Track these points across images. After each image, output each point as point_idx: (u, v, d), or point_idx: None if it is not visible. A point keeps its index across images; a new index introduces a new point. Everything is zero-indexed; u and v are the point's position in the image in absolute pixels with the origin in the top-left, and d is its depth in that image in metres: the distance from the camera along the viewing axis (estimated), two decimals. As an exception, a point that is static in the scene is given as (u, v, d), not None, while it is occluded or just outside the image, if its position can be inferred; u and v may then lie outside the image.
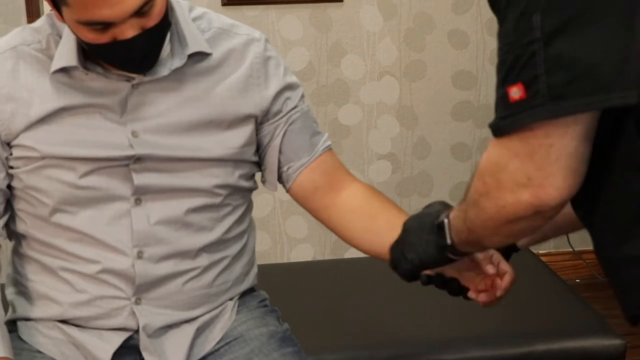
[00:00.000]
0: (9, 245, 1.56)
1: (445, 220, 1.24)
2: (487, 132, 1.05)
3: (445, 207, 1.29)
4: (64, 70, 1.41)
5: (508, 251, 1.42)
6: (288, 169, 1.53)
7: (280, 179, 1.56)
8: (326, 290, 2.13)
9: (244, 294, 1.60)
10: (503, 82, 0.99)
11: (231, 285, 1.55)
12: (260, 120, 1.50)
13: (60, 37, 1.42)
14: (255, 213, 1.64)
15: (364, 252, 1.55)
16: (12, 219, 1.50)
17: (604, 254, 1.10)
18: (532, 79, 0.96)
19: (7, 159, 1.44)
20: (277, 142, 1.52)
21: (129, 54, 1.33)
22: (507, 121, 0.99)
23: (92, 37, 1.31)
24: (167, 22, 1.37)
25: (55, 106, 1.41)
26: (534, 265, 2.25)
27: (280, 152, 1.53)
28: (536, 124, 0.97)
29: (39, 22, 1.47)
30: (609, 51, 0.94)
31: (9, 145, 1.43)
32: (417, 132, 3.05)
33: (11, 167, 1.44)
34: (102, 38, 1.31)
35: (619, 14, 0.94)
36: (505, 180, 1.02)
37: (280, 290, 1.79)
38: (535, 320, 1.97)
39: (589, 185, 1.05)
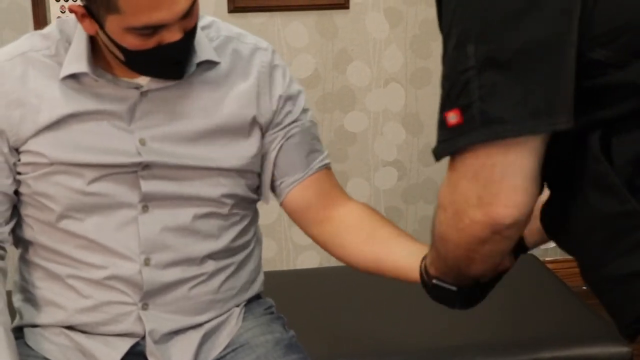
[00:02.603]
0: (15, 252, 1.56)
1: (435, 281, 1.27)
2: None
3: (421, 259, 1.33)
4: (73, 76, 1.41)
5: (515, 253, 1.41)
6: (281, 183, 1.53)
7: (273, 192, 1.55)
8: (332, 297, 2.13)
9: (250, 301, 1.60)
10: (441, 109, 1.04)
11: (237, 291, 1.55)
12: (264, 130, 1.51)
13: (69, 43, 1.42)
14: (261, 220, 1.64)
15: (360, 267, 1.51)
16: (18, 225, 1.50)
17: (589, 276, 1.11)
18: (467, 105, 0.99)
19: (15, 164, 1.44)
20: (272, 155, 1.51)
21: (176, 56, 1.35)
22: (445, 145, 1.03)
23: (138, 43, 1.32)
24: (197, 24, 1.39)
25: (64, 112, 1.41)
26: (540, 272, 2.25)
27: (274, 165, 1.52)
28: (477, 146, 1.00)
29: (48, 29, 1.47)
30: (539, 81, 0.97)
31: (17, 151, 1.43)
32: (423, 139, 3.06)
33: (19, 173, 1.45)
34: (149, 43, 1.32)
35: (548, 47, 0.97)
36: (459, 202, 1.05)
37: (286, 297, 1.79)
38: (541, 327, 1.96)
39: (560, 212, 1.08)
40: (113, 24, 1.31)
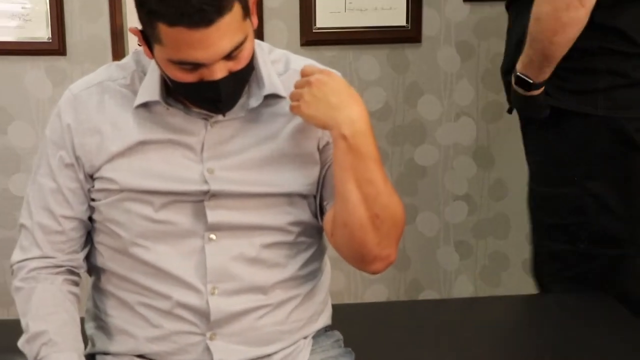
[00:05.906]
0: (87, 279, 1.59)
1: (519, 74, 1.96)
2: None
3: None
4: (146, 105, 1.44)
5: None
6: (327, 204, 1.50)
7: (322, 216, 1.51)
8: (401, 332, 2.11)
9: (318, 333, 1.59)
10: None
11: (305, 323, 1.55)
12: (320, 152, 1.50)
13: (144, 74, 1.46)
14: (329, 251, 1.63)
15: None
16: (91, 252, 1.53)
17: (503, 67, 2.09)
18: None
19: (89, 191, 1.48)
20: (321, 175, 1.50)
21: (214, 94, 1.36)
22: None
23: (180, 75, 1.35)
24: (251, 66, 1.40)
25: (135, 140, 1.44)
26: (616, 313, 2.19)
27: (322, 186, 1.50)
28: None
29: (125, 60, 1.51)
30: None
31: (92, 177, 1.47)
32: (494, 173, 3.02)
33: (93, 200, 1.48)
34: (190, 77, 1.35)
35: None
36: None
37: (355, 331, 1.77)
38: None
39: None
40: (158, 53, 1.35)
